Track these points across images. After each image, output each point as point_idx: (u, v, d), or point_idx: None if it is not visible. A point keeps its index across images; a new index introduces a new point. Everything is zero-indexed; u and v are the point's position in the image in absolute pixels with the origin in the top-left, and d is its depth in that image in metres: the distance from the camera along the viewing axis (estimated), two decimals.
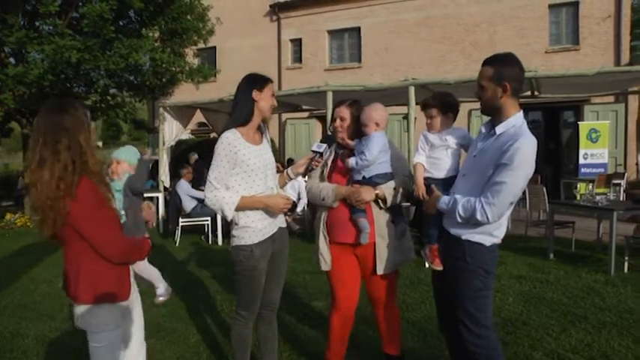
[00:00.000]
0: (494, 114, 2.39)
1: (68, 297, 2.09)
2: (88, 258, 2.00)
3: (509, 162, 2.19)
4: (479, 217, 2.28)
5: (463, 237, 2.40)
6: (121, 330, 2.16)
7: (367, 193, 2.79)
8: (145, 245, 2.24)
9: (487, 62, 2.35)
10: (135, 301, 2.34)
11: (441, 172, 2.72)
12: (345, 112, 2.95)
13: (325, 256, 2.94)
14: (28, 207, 11.26)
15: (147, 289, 5.03)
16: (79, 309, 2.06)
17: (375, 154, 2.77)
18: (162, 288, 2.39)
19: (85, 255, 1.99)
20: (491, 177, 2.26)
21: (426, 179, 2.73)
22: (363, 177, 2.83)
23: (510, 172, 2.19)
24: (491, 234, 2.37)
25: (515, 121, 2.31)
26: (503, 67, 2.30)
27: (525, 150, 2.18)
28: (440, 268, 2.57)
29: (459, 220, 2.38)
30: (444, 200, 2.47)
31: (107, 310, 2.06)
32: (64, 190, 1.88)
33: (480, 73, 2.37)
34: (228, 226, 2.77)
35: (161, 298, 2.35)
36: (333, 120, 2.99)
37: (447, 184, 2.64)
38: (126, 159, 2.48)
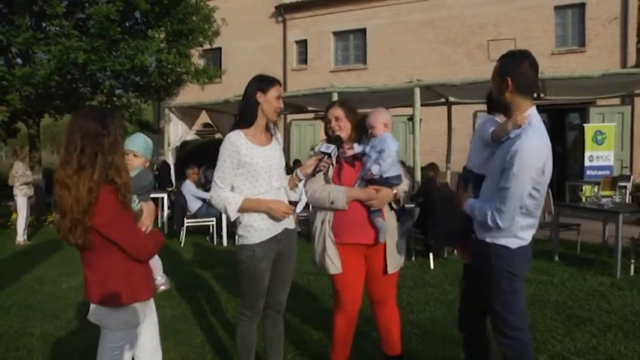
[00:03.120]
0: (505, 112, 2.38)
1: (94, 301, 2.08)
2: (119, 260, 2.02)
3: (509, 166, 2.18)
4: (490, 223, 2.28)
5: (488, 240, 2.38)
6: (139, 328, 2.19)
7: (386, 197, 2.83)
8: (160, 237, 2.28)
9: (501, 57, 2.38)
10: (151, 305, 2.36)
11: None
12: (338, 111, 2.96)
13: (334, 259, 2.91)
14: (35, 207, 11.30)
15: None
16: (104, 309, 2.07)
17: (395, 153, 2.80)
18: (160, 278, 2.40)
19: (115, 258, 2.01)
20: (499, 182, 2.25)
21: (468, 172, 2.67)
22: (380, 176, 2.83)
23: (512, 177, 2.17)
24: (516, 235, 2.34)
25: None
26: (508, 63, 2.30)
27: (524, 153, 2.14)
28: (469, 260, 2.59)
29: (478, 222, 2.41)
30: (468, 203, 2.48)
31: (135, 309, 2.10)
32: (93, 203, 1.90)
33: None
34: (233, 226, 2.78)
35: (162, 287, 2.36)
36: (328, 122, 2.99)
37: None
38: (145, 155, 2.48)
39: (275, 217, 2.67)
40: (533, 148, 2.16)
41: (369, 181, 2.85)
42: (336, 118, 2.95)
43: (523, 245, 2.38)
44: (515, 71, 2.26)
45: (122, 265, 2.03)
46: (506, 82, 2.26)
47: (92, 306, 2.12)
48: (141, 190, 2.32)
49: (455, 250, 6.75)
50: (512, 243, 2.35)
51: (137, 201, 2.31)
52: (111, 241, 1.97)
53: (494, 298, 2.40)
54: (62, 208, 1.91)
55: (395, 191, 2.88)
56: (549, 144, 2.25)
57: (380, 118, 2.89)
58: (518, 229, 2.33)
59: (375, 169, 2.78)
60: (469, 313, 2.68)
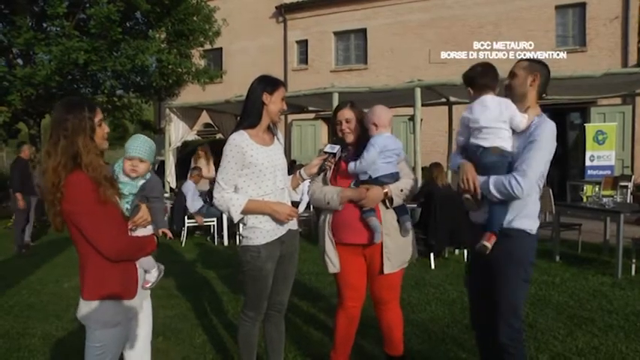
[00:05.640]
0: (517, 100, 2.52)
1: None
2: (94, 255, 2.00)
3: (534, 139, 2.37)
4: (509, 189, 2.33)
5: (513, 225, 2.44)
6: (120, 329, 2.15)
7: (376, 195, 2.80)
8: (150, 243, 2.22)
9: (524, 58, 2.64)
10: (143, 303, 2.33)
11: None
12: (348, 113, 2.96)
13: (332, 259, 2.95)
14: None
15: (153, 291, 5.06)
16: (82, 303, 2.07)
17: (372, 156, 2.78)
18: (153, 274, 2.35)
19: (91, 252, 2.00)
20: (523, 154, 2.41)
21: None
22: (370, 177, 2.83)
23: (538, 147, 2.36)
24: (535, 218, 2.49)
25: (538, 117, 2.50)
26: (537, 64, 2.56)
27: (546, 129, 2.39)
28: (489, 245, 2.44)
29: (494, 198, 2.40)
30: (482, 181, 2.45)
31: (108, 307, 2.06)
32: (57, 186, 1.94)
33: (515, 64, 2.60)
34: (234, 227, 2.78)
35: (148, 285, 2.32)
36: (338, 124, 2.99)
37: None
38: (149, 159, 2.42)
39: (279, 220, 2.68)
40: (553, 130, 2.43)
41: (362, 181, 2.86)
42: (347, 120, 2.95)
43: (537, 233, 2.51)
44: (542, 72, 2.53)
45: (96, 262, 2.01)
46: (536, 76, 2.50)
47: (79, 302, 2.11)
48: (153, 194, 2.31)
49: (456, 250, 6.76)
50: (534, 227, 2.47)
51: (132, 201, 2.27)
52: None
53: (507, 285, 2.45)
54: (42, 191, 2.03)
55: (386, 190, 2.84)
56: None
57: (370, 119, 2.89)
58: (533, 211, 2.48)
59: (350, 166, 2.82)
60: (481, 309, 2.65)
